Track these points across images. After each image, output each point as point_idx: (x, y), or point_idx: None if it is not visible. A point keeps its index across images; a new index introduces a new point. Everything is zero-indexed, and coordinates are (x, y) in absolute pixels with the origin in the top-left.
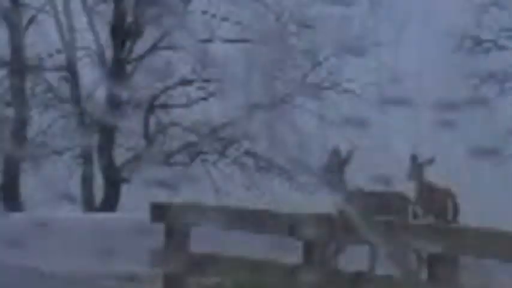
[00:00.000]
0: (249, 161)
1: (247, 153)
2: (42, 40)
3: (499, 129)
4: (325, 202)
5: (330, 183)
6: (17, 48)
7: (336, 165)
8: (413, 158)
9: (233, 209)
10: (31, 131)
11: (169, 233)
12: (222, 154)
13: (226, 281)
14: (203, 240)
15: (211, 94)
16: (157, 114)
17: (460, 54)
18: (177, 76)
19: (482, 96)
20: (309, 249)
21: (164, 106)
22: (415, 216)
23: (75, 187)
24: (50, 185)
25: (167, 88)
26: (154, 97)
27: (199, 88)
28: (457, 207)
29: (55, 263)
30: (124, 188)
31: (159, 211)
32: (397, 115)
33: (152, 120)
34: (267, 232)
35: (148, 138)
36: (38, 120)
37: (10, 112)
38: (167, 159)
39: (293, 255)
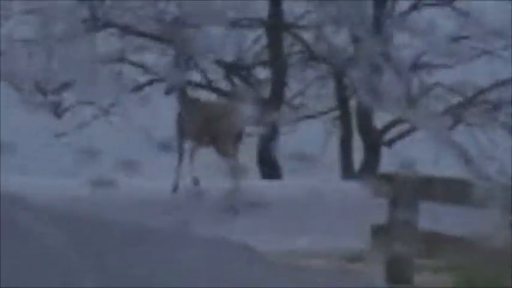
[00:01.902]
0: None
1: None
2: None
3: None
4: None
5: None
6: (274, 6)
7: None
8: None
9: (466, 181)
10: (288, 93)
11: (393, 207)
12: (490, 117)
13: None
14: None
15: (480, 53)
16: (420, 75)
17: None
18: (442, 34)
19: None
20: None
21: (427, 66)
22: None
23: (331, 152)
24: (306, 150)
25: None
26: (417, 56)
27: (466, 46)
28: None
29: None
30: (384, 153)
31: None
32: None
33: (415, 81)
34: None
35: (410, 99)
36: (295, 81)
37: (266, 73)
38: (429, 122)
39: None
